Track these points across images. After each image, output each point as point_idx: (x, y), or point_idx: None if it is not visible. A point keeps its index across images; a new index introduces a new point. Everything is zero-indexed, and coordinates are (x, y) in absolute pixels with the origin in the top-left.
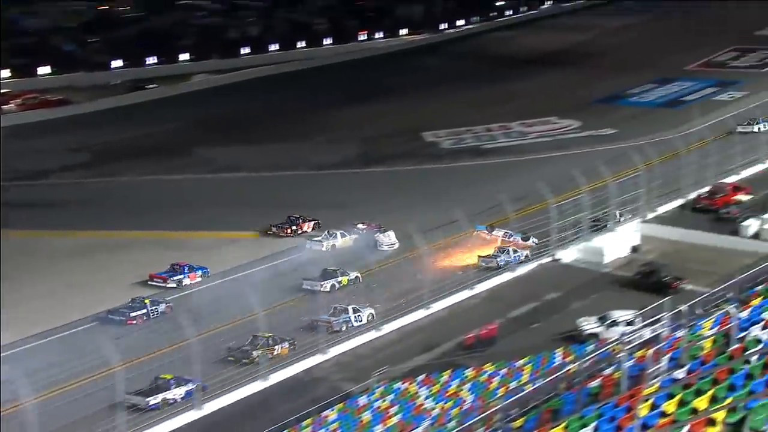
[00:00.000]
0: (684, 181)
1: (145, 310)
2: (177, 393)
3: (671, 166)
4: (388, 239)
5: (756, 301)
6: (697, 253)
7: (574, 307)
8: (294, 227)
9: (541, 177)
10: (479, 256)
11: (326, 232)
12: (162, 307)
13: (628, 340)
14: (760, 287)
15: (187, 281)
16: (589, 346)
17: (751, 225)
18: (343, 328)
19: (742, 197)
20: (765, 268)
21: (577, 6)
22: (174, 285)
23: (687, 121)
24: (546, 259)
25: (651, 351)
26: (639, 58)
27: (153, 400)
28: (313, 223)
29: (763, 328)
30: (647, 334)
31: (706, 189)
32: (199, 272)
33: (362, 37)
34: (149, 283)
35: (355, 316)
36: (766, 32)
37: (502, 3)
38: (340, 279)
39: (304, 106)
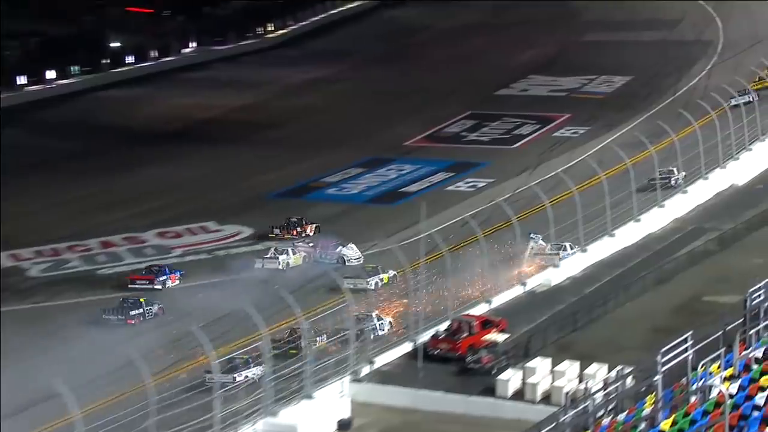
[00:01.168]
0: (412, 315)
1: (141, 310)
2: (255, 372)
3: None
4: (355, 252)
5: None
6: (437, 426)
7: None
8: (299, 229)
9: (197, 317)
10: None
11: (274, 249)
12: (155, 308)
13: None
14: None
15: (169, 283)
16: None
17: (511, 379)
18: (371, 337)
19: (496, 337)
20: None
21: (240, 49)
22: (159, 287)
23: (411, 223)
24: None
25: None
26: (337, 128)
27: (239, 377)
28: (315, 226)
29: None
30: None
31: (444, 326)
32: (177, 274)
33: None
34: (130, 285)
35: (379, 324)
36: (510, 91)
37: (118, 45)
38: (382, 276)
39: None
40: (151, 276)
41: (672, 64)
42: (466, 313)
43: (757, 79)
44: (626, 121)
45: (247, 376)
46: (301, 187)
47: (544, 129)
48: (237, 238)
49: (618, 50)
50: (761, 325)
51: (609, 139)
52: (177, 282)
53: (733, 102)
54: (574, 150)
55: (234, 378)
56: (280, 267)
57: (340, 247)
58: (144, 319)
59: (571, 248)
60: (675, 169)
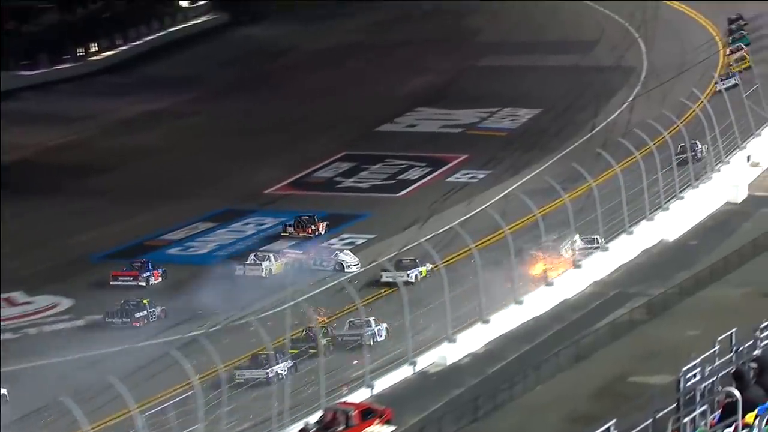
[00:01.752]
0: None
1: (145, 312)
2: (282, 367)
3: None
4: (352, 258)
5: None
6: None
7: None
8: (312, 227)
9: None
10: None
11: (254, 255)
12: (158, 310)
13: None
14: None
15: (152, 280)
16: None
17: None
18: (371, 343)
19: (379, 429)
20: None
21: (55, 75)
22: (144, 283)
23: (276, 290)
24: None
25: None
26: (180, 173)
27: (270, 373)
28: (325, 224)
29: None
30: None
31: (316, 418)
32: (160, 271)
33: None
34: (112, 283)
35: (377, 330)
36: (394, 127)
37: None
38: (420, 269)
39: None
40: (135, 272)
41: (588, 94)
42: (343, 400)
43: (732, 62)
44: (534, 163)
45: (277, 372)
46: (135, 246)
47: (436, 173)
48: (53, 311)
49: (523, 77)
50: (697, 411)
51: (514, 185)
52: (159, 279)
53: (718, 87)
54: (472, 198)
55: (267, 374)
56: (263, 274)
57: (337, 253)
58: (148, 321)
59: (602, 241)
60: (697, 141)
